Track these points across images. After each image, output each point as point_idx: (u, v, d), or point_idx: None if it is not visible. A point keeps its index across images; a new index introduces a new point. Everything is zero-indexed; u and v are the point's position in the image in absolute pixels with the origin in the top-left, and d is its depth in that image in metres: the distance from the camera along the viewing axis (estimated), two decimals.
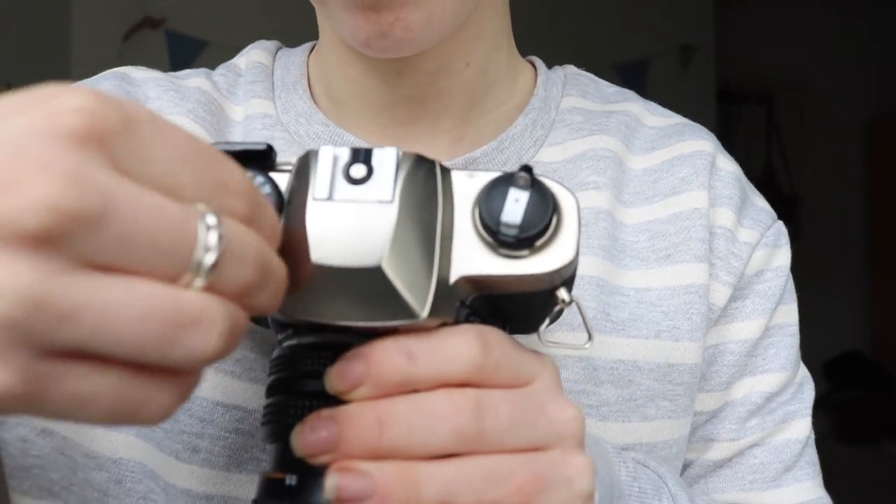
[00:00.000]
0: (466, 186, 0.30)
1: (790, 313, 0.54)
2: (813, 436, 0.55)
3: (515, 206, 0.29)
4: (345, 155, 0.28)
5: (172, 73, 0.54)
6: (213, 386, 0.43)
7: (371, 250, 0.27)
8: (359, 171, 0.28)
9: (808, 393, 0.55)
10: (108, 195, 0.21)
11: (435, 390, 0.28)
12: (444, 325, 0.29)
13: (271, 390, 0.31)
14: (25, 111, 0.21)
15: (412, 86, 0.49)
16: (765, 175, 3.87)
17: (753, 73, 3.83)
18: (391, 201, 0.27)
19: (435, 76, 0.49)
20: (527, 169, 0.29)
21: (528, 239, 0.29)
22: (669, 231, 0.51)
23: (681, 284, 0.50)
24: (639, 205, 0.52)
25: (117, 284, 0.21)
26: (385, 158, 0.28)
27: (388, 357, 0.28)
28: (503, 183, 0.29)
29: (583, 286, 0.48)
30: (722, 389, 0.52)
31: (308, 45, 0.56)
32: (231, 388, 0.44)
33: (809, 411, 0.55)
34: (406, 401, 0.28)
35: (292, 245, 0.28)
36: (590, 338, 0.32)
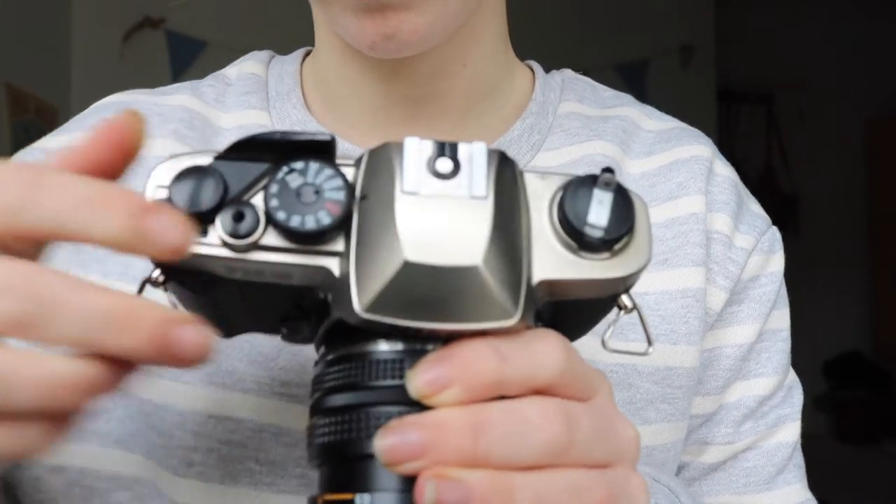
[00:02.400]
0: (539, 188, 0.29)
1: (783, 318, 0.55)
2: (800, 439, 0.56)
3: (600, 207, 0.28)
4: (428, 148, 0.27)
5: (158, 91, 0.54)
6: (205, 398, 0.44)
7: (469, 249, 0.25)
8: (445, 165, 0.27)
9: (798, 397, 0.56)
10: None
11: (525, 397, 0.27)
12: (526, 329, 0.27)
13: (330, 407, 0.28)
14: None
15: (409, 87, 0.49)
16: (765, 175, 3.87)
17: (753, 73, 3.83)
18: (486, 197, 0.26)
19: (432, 77, 0.49)
20: (609, 170, 0.28)
21: (612, 241, 0.28)
22: (667, 236, 0.51)
23: (678, 289, 0.50)
24: None
25: None
26: (474, 153, 0.27)
27: (479, 357, 0.26)
28: (586, 184, 0.28)
29: None
30: (717, 393, 0.53)
31: (301, 52, 0.56)
32: (221, 400, 0.44)
33: (799, 415, 0.56)
34: (500, 406, 0.26)
35: (373, 241, 0.26)
36: (650, 343, 0.31)
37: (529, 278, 0.27)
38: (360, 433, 0.27)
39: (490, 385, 0.26)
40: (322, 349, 0.30)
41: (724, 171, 0.55)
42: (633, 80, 3.11)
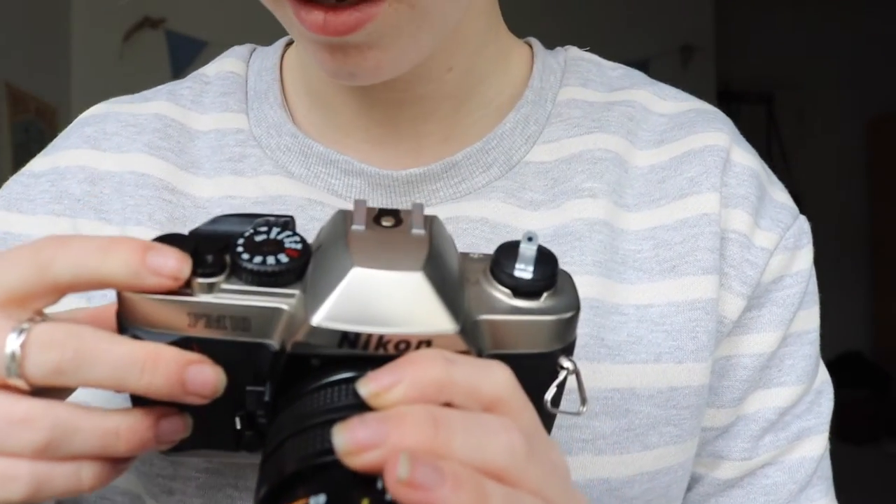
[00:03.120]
0: (473, 258, 0.33)
1: (811, 318, 0.50)
2: (828, 448, 0.51)
3: (526, 257, 0.31)
4: (374, 211, 0.32)
5: (140, 98, 0.52)
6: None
7: (411, 261, 0.29)
8: (389, 220, 0.31)
9: (827, 404, 0.51)
10: None
11: (481, 412, 0.27)
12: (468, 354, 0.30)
13: (281, 433, 0.29)
14: None
15: (389, 91, 0.46)
16: None
17: (753, 73, 3.83)
18: (423, 235, 0.30)
19: (413, 83, 0.46)
20: (532, 234, 0.31)
21: (541, 282, 0.31)
22: (675, 240, 0.47)
23: (686, 300, 0.46)
24: (643, 208, 0.48)
25: None
26: (413, 212, 0.31)
27: (427, 358, 0.27)
28: (514, 245, 0.32)
29: None
30: (733, 405, 0.48)
31: (283, 42, 0.53)
32: None
33: (826, 426, 0.51)
34: (457, 411, 0.26)
35: (326, 266, 0.30)
36: (583, 402, 0.33)
37: (470, 311, 0.30)
38: (314, 445, 0.27)
39: (437, 384, 0.26)
40: (274, 402, 0.32)
41: (744, 160, 0.49)
42: None
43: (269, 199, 0.47)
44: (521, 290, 0.31)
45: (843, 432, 3.51)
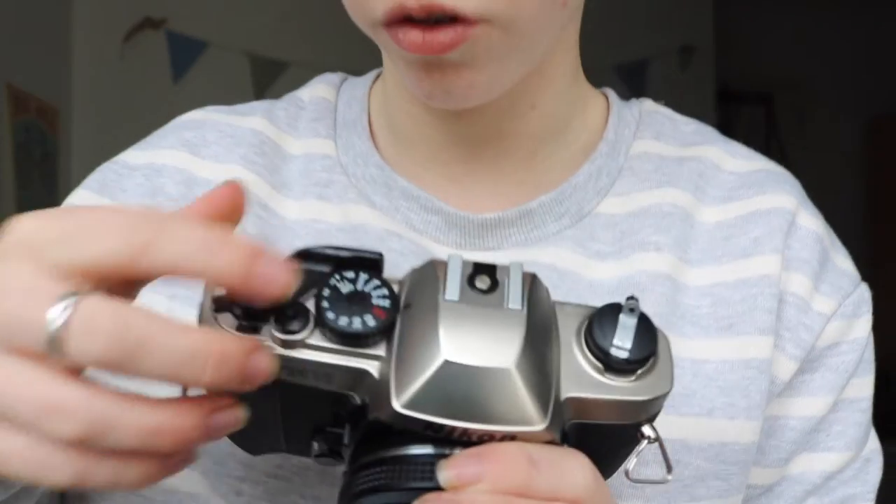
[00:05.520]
0: (569, 312, 0.31)
1: (864, 387, 0.51)
2: None
3: (625, 331, 0.30)
4: (469, 266, 0.30)
5: (235, 110, 0.53)
6: None
7: (503, 353, 0.28)
8: (484, 281, 0.30)
9: (875, 472, 0.51)
10: None
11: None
12: (552, 443, 0.29)
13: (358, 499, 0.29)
14: None
15: (472, 126, 0.48)
16: None
17: (753, 73, 3.83)
18: (521, 310, 0.29)
19: (497, 119, 0.47)
20: (633, 298, 0.30)
21: (636, 363, 0.30)
22: (734, 298, 0.47)
23: (741, 358, 0.46)
24: (706, 264, 0.49)
25: (10, 366, 0.27)
26: (511, 272, 0.30)
27: (510, 457, 0.27)
28: (613, 311, 0.30)
29: None
30: (779, 466, 0.49)
31: (373, 74, 0.55)
32: None
33: (872, 495, 0.50)
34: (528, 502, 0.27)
35: (415, 343, 0.28)
36: (669, 470, 0.33)
37: (558, 392, 0.29)
38: None
39: (518, 487, 0.27)
40: (353, 454, 0.31)
41: (809, 224, 0.50)
42: (633, 80, 3.11)
43: (352, 228, 0.48)
44: (614, 367, 0.30)
45: None
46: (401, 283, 0.31)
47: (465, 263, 0.30)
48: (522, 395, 0.27)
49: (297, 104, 0.54)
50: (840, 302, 0.50)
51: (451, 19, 0.39)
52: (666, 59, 3.22)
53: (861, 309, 0.51)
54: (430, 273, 0.30)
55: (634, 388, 0.30)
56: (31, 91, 2.41)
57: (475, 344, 0.28)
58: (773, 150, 3.95)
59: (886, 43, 3.92)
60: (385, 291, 0.30)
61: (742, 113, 3.88)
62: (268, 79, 2.69)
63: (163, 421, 0.27)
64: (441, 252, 0.47)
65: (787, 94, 3.91)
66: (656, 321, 0.45)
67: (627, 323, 0.30)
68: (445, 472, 0.27)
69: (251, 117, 0.52)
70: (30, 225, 0.28)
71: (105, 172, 0.51)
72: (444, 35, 0.39)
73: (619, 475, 0.44)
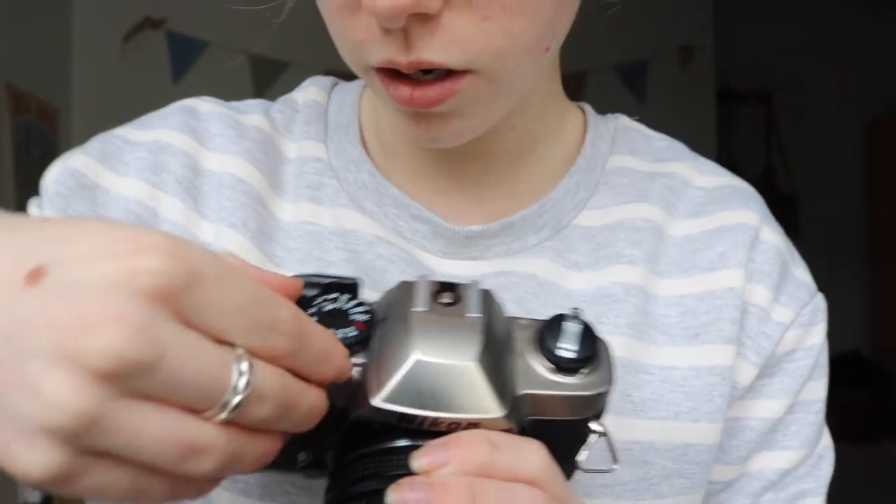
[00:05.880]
0: (524, 324, 0.36)
1: (818, 389, 0.54)
2: None
3: (571, 335, 0.34)
4: (435, 286, 0.35)
5: (235, 106, 0.54)
6: None
7: (467, 352, 0.32)
8: (447, 297, 0.34)
9: (826, 468, 0.54)
10: (164, 348, 0.26)
11: (517, 483, 0.30)
12: (511, 432, 0.33)
13: (354, 493, 0.32)
14: (115, 260, 0.27)
15: (454, 145, 0.48)
16: (765, 175, 3.87)
17: (753, 73, 3.83)
18: (480, 317, 0.33)
19: (477, 140, 0.48)
20: (577, 308, 0.35)
21: (581, 361, 0.34)
22: (701, 309, 0.50)
23: (706, 366, 0.49)
24: (675, 276, 0.51)
25: (153, 413, 0.27)
26: (470, 289, 0.35)
27: (473, 442, 0.30)
28: (560, 318, 0.35)
29: None
30: (739, 463, 0.52)
31: (363, 80, 0.55)
32: None
33: (824, 489, 0.53)
34: (493, 482, 0.30)
35: (390, 347, 0.33)
36: (614, 461, 0.37)
37: (515, 388, 0.34)
38: None
39: (481, 467, 0.30)
40: (337, 454, 0.35)
41: (771, 238, 0.53)
42: (633, 81, 3.12)
43: (344, 232, 0.50)
44: (562, 366, 0.34)
45: (843, 432, 3.50)
46: (376, 302, 0.36)
47: (430, 283, 0.35)
48: (483, 388, 0.32)
49: (292, 107, 0.55)
50: (798, 311, 0.52)
51: (439, 72, 0.41)
52: (666, 59, 3.22)
53: (817, 317, 0.54)
54: (402, 291, 0.35)
55: (580, 384, 0.34)
56: (32, 91, 2.41)
57: (442, 345, 0.32)
58: (772, 150, 3.95)
59: (886, 43, 3.92)
60: (364, 308, 0.34)
61: (742, 113, 3.88)
62: (268, 79, 2.69)
63: (271, 450, 0.31)
64: (427, 259, 0.50)
65: (788, 93, 3.91)
66: (628, 331, 0.49)
67: (572, 329, 0.34)
68: (418, 461, 0.30)
69: (252, 115, 0.53)
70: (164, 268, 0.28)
71: (105, 143, 0.50)
72: (432, 91, 0.41)
73: (587, 476, 0.47)
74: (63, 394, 0.25)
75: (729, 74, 3.60)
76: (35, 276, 0.27)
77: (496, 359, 0.33)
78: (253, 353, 0.29)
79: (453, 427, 0.32)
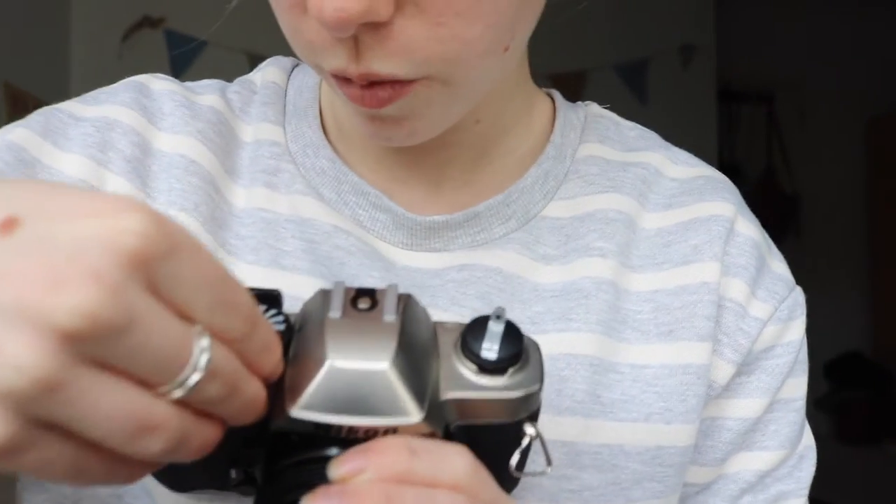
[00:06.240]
0: (447, 329, 0.35)
1: (798, 387, 0.52)
2: None
3: (493, 336, 0.33)
4: (352, 291, 0.34)
5: (189, 86, 0.52)
6: None
7: (380, 356, 0.31)
8: (365, 302, 0.33)
9: (808, 468, 0.52)
10: (134, 314, 0.24)
11: (437, 489, 0.29)
12: (433, 437, 0.32)
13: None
14: (96, 217, 0.25)
15: None
16: (765, 175, 3.87)
17: (753, 73, 3.83)
18: (395, 322, 0.32)
19: (440, 134, 0.47)
20: (501, 308, 0.34)
21: (505, 361, 0.33)
22: (675, 305, 0.49)
23: (680, 364, 0.48)
24: (647, 270, 0.49)
25: (111, 385, 0.25)
26: (388, 293, 0.33)
27: (391, 448, 0.29)
28: (483, 321, 0.34)
29: (575, 366, 0.46)
30: (716, 465, 0.50)
31: None
32: None
33: (805, 490, 0.52)
34: (411, 488, 0.29)
35: (306, 355, 0.32)
36: (548, 463, 0.35)
37: (437, 392, 0.33)
38: None
39: (399, 474, 0.29)
40: (263, 468, 0.34)
41: (747, 231, 0.51)
42: (634, 80, 3.11)
43: (301, 221, 0.47)
44: (486, 368, 0.33)
45: (844, 432, 3.51)
46: (296, 313, 0.35)
47: (347, 290, 0.34)
48: (399, 392, 0.31)
49: (249, 88, 0.52)
50: (776, 307, 0.50)
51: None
52: (667, 59, 3.22)
53: (795, 312, 0.51)
54: (319, 300, 0.34)
55: (507, 385, 0.33)
56: (30, 90, 2.41)
57: (356, 351, 0.31)
58: (773, 150, 3.95)
59: (886, 43, 3.91)
60: (281, 318, 0.33)
61: (743, 112, 3.88)
62: None
63: (213, 438, 0.29)
64: (387, 251, 0.48)
65: (789, 93, 3.91)
66: (598, 328, 0.47)
67: (495, 329, 0.33)
68: (336, 469, 0.29)
69: (207, 95, 0.51)
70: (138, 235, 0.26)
71: (48, 117, 0.47)
72: (381, 92, 0.40)
73: (553, 480, 0.45)
74: (22, 355, 0.23)
75: (730, 74, 3.60)
76: (8, 225, 0.24)
77: (414, 362, 0.32)
78: (210, 332, 0.27)
79: (371, 434, 0.31)
